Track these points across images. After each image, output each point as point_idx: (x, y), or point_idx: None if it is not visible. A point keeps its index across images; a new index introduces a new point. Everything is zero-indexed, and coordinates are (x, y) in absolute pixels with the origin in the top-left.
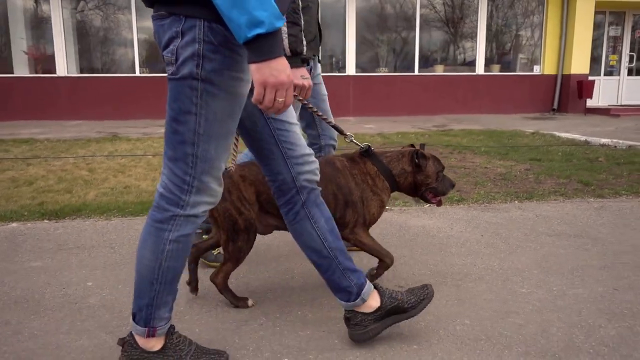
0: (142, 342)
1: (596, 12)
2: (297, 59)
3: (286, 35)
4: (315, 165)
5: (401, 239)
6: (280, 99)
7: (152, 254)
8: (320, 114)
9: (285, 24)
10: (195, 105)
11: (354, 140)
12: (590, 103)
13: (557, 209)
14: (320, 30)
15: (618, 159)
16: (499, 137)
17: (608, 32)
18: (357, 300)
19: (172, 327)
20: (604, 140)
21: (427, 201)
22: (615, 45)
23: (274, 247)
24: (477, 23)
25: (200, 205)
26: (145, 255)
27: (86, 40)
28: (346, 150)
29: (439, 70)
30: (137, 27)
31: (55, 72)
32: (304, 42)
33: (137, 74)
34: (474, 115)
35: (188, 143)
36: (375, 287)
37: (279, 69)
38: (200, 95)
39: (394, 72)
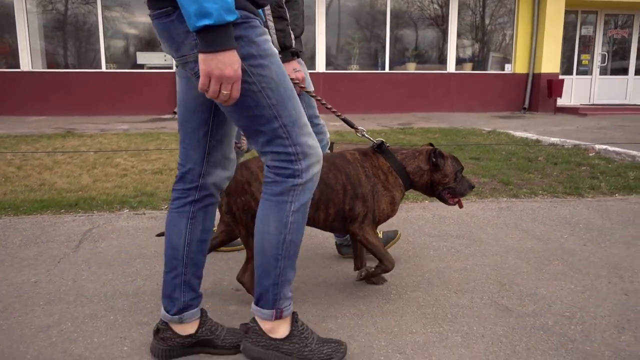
0: (268, 327)
1: (568, 12)
2: (287, 53)
3: (274, 31)
4: (229, 174)
5: None
6: (225, 92)
7: (276, 228)
8: (329, 106)
9: (272, 19)
10: (253, 83)
11: (366, 135)
12: (561, 102)
13: (459, 209)
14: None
15: (557, 158)
16: (454, 135)
17: (580, 31)
18: (174, 317)
19: (295, 313)
20: (553, 139)
21: (444, 202)
22: (588, 44)
23: (127, 248)
24: (448, 21)
25: (312, 168)
26: (268, 232)
27: (52, 35)
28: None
29: (411, 68)
30: (104, 22)
31: (19, 67)
32: (292, 36)
33: (104, 69)
34: (444, 114)
35: (271, 118)
36: (202, 316)
37: (226, 62)
38: (251, 73)
39: (365, 69)
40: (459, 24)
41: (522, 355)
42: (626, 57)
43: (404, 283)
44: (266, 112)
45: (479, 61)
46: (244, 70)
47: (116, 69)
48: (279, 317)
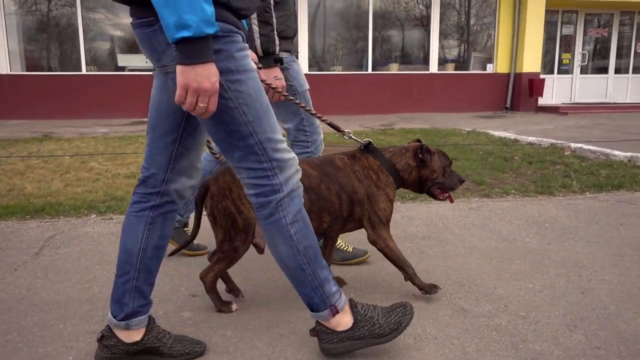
0: (333, 324)
1: (549, 11)
2: (269, 59)
3: (258, 36)
4: (193, 183)
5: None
6: (202, 105)
7: (285, 245)
8: (314, 112)
9: (257, 23)
10: (229, 99)
11: (353, 137)
12: (542, 101)
13: (430, 210)
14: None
15: (533, 157)
16: (434, 136)
17: (561, 31)
18: (120, 322)
19: (351, 300)
20: (531, 139)
21: (434, 197)
22: (569, 44)
23: (89, 254)
24: (431, 22)
25: (291, 179)
26: (281, 250)
27: (31, 37)
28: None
29: (394, 69)
30: (84, 24)
31: None
32: (277, 42)
33: (84, 72)
34: (427, 114)
35: (247, 135)
36: (149, 323)
37: (204, 75)
38: (228, 88)
39: (349, 70)
40: (442, 24)
41: (472, 357)
42: (606, 56)
43: (363, 286)
44: (242, 128)
45: (461, 61)
46: (220, 85)
47: (97, 71)
48: (335, 312)
